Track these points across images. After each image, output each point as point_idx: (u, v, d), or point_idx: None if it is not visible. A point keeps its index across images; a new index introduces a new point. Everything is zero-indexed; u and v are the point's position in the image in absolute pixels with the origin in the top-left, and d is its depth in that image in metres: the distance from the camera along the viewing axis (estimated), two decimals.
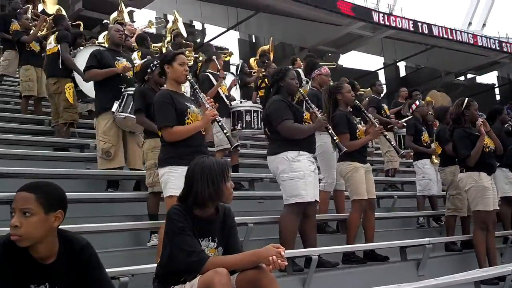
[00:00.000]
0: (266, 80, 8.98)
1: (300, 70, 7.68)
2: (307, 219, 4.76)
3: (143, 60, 5.60)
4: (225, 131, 4.17)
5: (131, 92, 5.62)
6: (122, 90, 5.81)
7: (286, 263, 2.85)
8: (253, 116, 6.69)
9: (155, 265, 3.14)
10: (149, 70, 5.16)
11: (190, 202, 2.95)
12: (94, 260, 2.44)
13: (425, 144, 7.29)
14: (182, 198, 3.01)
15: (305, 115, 4.88)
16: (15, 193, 2.30)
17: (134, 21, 11.73)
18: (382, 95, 9.24)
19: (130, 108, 5.56)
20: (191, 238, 2.88)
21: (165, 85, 4.43)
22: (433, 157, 7.26)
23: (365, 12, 22.85)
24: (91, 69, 5.85)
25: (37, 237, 2.27)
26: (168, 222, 2.94)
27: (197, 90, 4.31)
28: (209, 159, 3.02)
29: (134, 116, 5.31)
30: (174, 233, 2.88)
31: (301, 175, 4.57)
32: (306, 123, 4.85)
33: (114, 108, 5.70)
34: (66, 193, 2.43)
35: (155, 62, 5.11)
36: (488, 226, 5.82)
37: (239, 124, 6.63)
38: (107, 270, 2.57)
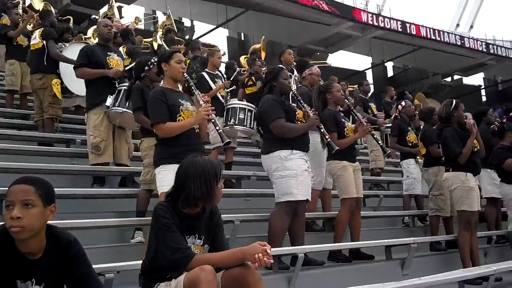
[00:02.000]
0: (253, 78, 9.00)
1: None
2: (296, 217, 4.77)
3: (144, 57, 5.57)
4: (217, 128, 4.17)
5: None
6: (117, 85, 5.79)
7: (272, 261, 2.87)
8: (247, 115, 6.64)
9: (141, 261, 3.12)
10: (146, 68, 5.16)
11: (181, 200, 2.94)
12: (81, 256, 2.43)
13: (410, 144, 7.32)
14: (171, 195, 3.00)
15: (298, 114, 4.89)
16: (4, 188, 2.29)
17: (123, 17, 11.65)
18: (369, 94, 9.27)
19: (127, 103, 5.53)
20: (177, 235, 2.88)
21: (161, 83, 4.43)
22: (418, 157, 7.30)
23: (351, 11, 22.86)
24: (82, 68, 5.81)
25: (36, 229, 2.28)
26: (154, 219, 2.93)
27: (192, 87, 4.30)
28: (202, 159, 3.01)
29: (131, 112, 5.32)
30: (160, 229, 2.87)
31: (293, 174, 4.61)
32: (299, 122, 4.86)
33: (108, 103, 5.67)
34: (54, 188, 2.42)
35: (152, 60, 5.13)
36: (471, 227, 5.88)
37: (232, 120, 6.59)
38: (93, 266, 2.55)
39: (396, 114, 8.27)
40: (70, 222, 3.97)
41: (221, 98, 6.60)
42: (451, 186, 5.84)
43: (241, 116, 6.63)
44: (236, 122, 6.60)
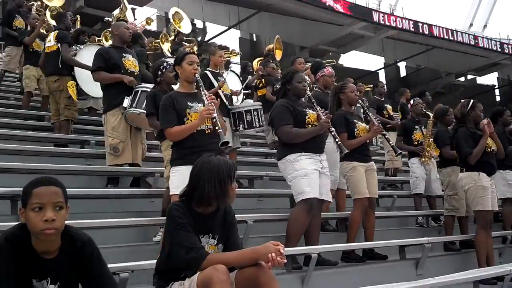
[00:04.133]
0: (263, 80, 8.97)
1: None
2: (312, 217, 4.78)
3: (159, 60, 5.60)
4: (216, 127, 4.18)
5: (145, 89, 5.64)
6: (133, 87, 5.82)
7: (285, 261, 2.87)
8: (253, 115, 6.66)
9: (155, 261, 3.14)
10: (159, 73, 5.20)
11: (195, 200, 2.96)
12: (96, 256, 2.44)
13: (416, 143, 7.28)
14: (185, 195, 3.01)
15: (309, 118, 4.85)
16: (18, 188, 2.31)
17: (136, 19, 11.70)
18: (383, 96, 9.24)
19: (144, 104, 5.56)
20: (191, 235, 2.89)
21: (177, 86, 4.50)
22: (422, 156, 7.24)
23: (364, 11, 22.82)
24: (100, 72, 5.84)
25: (62, 230, 2.34)
26: (168, 219, 2.95)
27: (201, 88, 4.32)
28: (217, 158, 3.01)
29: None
30: (174, 229, 2.89)
31: (303, 173, 4.65)
32: (310, 125, 4.85)
33: (125, 104, 5.70)
34: (67, 189, 2.44)
35: (165, 64, 5.17)
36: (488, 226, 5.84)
37: (241, 125, 6.61)
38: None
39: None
40: (85, 222, 4.00)
41: (223, 98, 6.53)
42: (465, 186, 5.80)
43: (248, 118, 6.64)
44: (246, 126, 6.61)
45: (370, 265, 5.35)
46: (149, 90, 5.45)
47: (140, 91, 5.71)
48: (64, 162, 6.16)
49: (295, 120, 4.76)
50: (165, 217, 4.56)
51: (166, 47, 9.92)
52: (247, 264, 2.85)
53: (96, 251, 2.46)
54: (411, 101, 7.74)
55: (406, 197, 8.22)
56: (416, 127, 7.40)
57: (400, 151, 6.14)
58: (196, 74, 4.31)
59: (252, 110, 6.66)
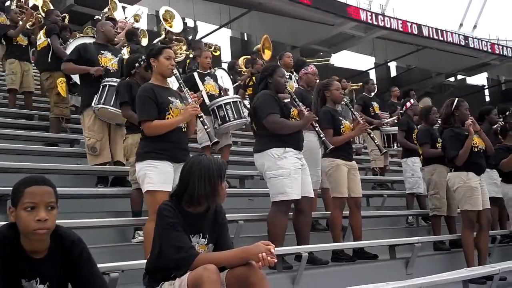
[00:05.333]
0: (253, 78, 8.96)
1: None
2: (301, 215, 4.78)
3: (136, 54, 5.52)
4: (205, 127, 4.15)
5: (113, 84, 5.53)
6: (101, 79, 5.76)
7: (276, 260, 2.87)
8: (226, 109, 6.39)
9: (145, 261, 3.13)
10: (137, 65, 5.11)
11: (185, 199, 2.95)
12: (85, 256, 2.43)
13: (416, 142, 7.32)
14: (175, 195, 3.00)
15: (293, 112, 4.86)
16: (7, 188, 2.29)
17: (126, 17, 11.65)
18: (373, 94, 9.27)
19: (112, 100, 5.49)
20: (181, 234, 2.88)
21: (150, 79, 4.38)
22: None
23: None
24: (68, 62, 5.91)
25: (52, 230, 2.33)
26: (158, 218, 2.94)
27: (181, 85, 4.29)
28: (207, 158, 3.01)
29: (109, 107, 5.32)
30: (164, 229, 2.88)
31: (287, 173, 4.57)
32: (293, 120, 4.83)
33: (93, 102, 5.66)
34: (57, 188, 2.42)
35: (143, 57, 5.03)
36: (482, 226, 5.86)
37: (216, 122, 6.45)
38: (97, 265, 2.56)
39: (401, 111, 8.27)
40: (75, 222, 3.98)
41: (206, 99, 6.42)
42: (454, 186, 5.81)
43: (221, 114, 6.34)
44: (220, 122, 6.35)
45: (360, 264, 5.36)
46: (116, 84, 5.36)
47: (108, 85, 5.64)
48: (54, 161, 6.12)
49: (281, 113, 4.68)
50: (143, 218, 4.55)
51: (144, 42, 9.83)
52: (237, 263, 2.85)
53: (86, 250, 2.45)
54: (412, 101, 7.75)
55: (396, 196, 8.26)
56: (415, 127, 7.45)
57: (385, 151, 6.14)
58: (174, 70, 4.23)
59: (223, 105, 6.39)
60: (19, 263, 2.30)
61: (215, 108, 6.41)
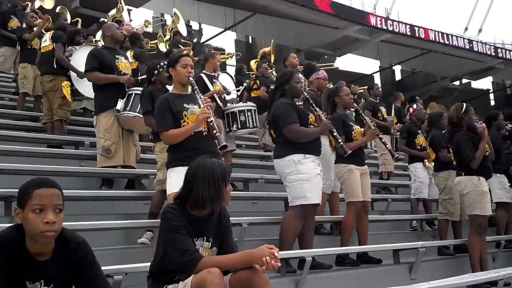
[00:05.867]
0: (258, 81, 8.98)
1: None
2: (306, 220, 4.78)
3: (152, 62, 5.56)
4: (214, 131, 4.17)
5: (139, 92, 5.60)
6: (126, 89, 5.80)
7: (280, 264, 2.86)
8: (247, 115, 6.64)
9: (149, 263, 3.13)
10: (156, 72, 5.17)
11: (189, 202, 2.95)
12: (89, 258, 2.44)
13: (419, 147, 7.29)
14: (180, 197, 3.00)
15: (310, 118, 4.89)
16: (13, 189, 2.30)
17: (132, 20, 11.69)
18: (378, 98, 9.27)
19: (139, 107, 5.54)
20: (185, 237, 2.88)
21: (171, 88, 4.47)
22: (426, 160, 7.26)
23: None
24: (94, 72, 5.78)
25: (59, 232, 2.33)
26: (163, 221, 2.94)
27: (195, 91, 4.31)
28: (211, 161, 3.01)
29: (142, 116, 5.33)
30: (169, 231, 2.88)
31: (307, 178, 4.63)
32: (311, 126, 4.86)
33: (119, 106, 5.67)
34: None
35: (161, 64, 5.14)
36: (482, 231, 5.85)
37: (234, 125, 6.59)
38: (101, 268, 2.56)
39: (407, 117, 8.27)
40: (79, 224, 3.99)
41: (218, 101, 6.51)
42: (464, 190, 5.78)
43: (242, 118, 6.61)
44: (239, 126, 6.58)
45: (364, 269, 5.34)
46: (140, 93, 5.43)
47: (134, 94, 5.70)
48: (58, 163, 6.13)
49: (300, 120, 4.74)
50: (152, 220, 4.59)
51: (162, 47, 9.91)
52: (241, 267, 2.85)
53: (90, 253, 2.46)
54: (414, 106, 7.75)
55: (400, 201, 8.24)
56: (419, 131, 7.43)
57: (397, 155, 6.15)
58: (190, 77, 4.29)
59: (245, 111, 6.64)
60: (23, 265, 2.30)
61: (236, 112, 6.55)
